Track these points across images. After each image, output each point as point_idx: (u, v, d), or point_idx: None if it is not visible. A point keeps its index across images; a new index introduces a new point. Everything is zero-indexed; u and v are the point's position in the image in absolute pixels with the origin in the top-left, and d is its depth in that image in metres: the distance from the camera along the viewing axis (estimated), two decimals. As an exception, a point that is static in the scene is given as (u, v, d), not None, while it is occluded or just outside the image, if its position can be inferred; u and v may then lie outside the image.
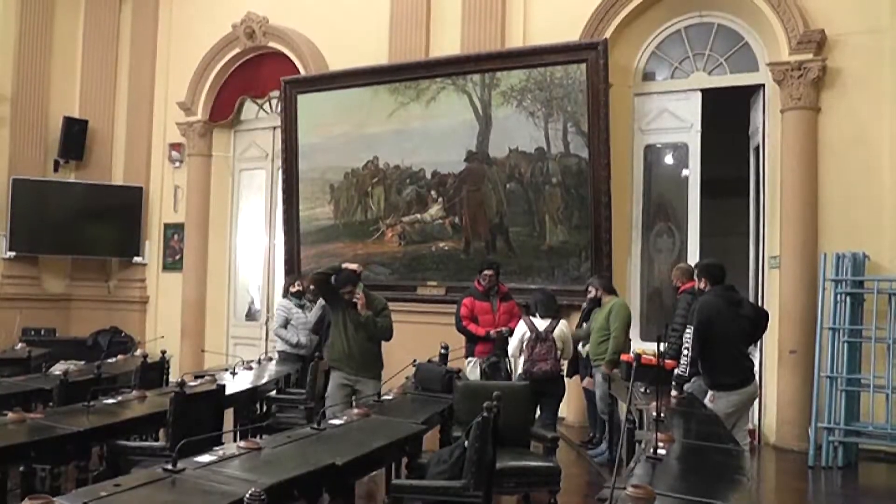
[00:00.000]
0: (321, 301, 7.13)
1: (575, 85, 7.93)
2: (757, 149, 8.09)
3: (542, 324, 6.08)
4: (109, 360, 7.25)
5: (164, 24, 11.25)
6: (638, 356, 3.89)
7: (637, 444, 3.96)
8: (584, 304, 7.04)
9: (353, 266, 5.80)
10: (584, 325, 6.89)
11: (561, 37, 8.11)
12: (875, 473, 6.65)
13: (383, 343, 5.78)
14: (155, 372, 6.32)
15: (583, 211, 7.98)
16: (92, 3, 11.30)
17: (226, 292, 10.89)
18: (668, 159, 8.61)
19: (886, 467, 6.67)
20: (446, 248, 8.80)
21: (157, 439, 5.28)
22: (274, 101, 10.50)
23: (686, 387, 5.20)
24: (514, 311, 6.86)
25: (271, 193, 10.64)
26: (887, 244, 6.94)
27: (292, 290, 7.70)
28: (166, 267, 11.09)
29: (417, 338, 7.22)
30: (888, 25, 7.06)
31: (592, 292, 6.77)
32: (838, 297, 6.77)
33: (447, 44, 8.90)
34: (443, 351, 6.28)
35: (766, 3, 7.41)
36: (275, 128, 10.34)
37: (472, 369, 6.68)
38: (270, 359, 7.53)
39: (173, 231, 11.05)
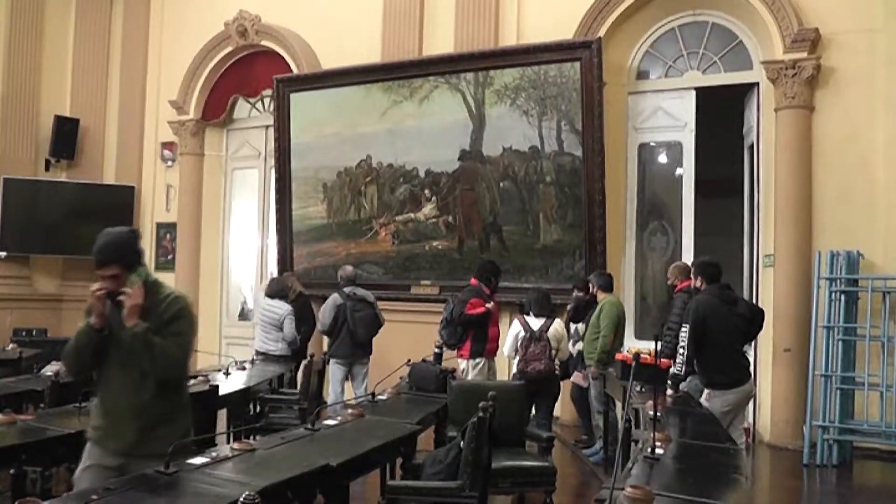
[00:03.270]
0: (335, 298, 6.99)
1: (569, 83, 7.92)
2: (751, 147, 8.10)
3: (536, 323, 6.07)
4: (101, 361, 7.19)
5: (156, 22, 11.20)
6: (637, 355, 3.87)
7: (633, 444, 3.95)
8: (569, 305, 7.02)
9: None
10: (572, 323, 6.91)
11: (555, 35, 8.09)
12: (869, 471, 6.67)
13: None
14: (147, 373, 6.26)
15: (577, 210, 7.97)
16: (83, 0, 11.21)
17: (218, 292, 10.85)
18: (663, 158, 8.62)
19: (881, 465, 6.68)
20: (440, 247, 8.78)
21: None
22: (266, 100, 10.46)
23: (682, 386, 5.21)
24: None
25: (264, 193, 10.60)
26: (881, 242, 6.96)
27: None
28: (158, 266, 11.01)
29: (411, 337, 7.22)
30: (882, 25, 7.07)
31: (591, 288, 6.76)
32: (833, 295, 6.78)
33: (440, 42, 8.88)
34: (437, 350, 6.25)
35: (761, 1, 7.41)
36: (267, 127, 10.30)
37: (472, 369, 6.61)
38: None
39: (165, 230, 11.02)
